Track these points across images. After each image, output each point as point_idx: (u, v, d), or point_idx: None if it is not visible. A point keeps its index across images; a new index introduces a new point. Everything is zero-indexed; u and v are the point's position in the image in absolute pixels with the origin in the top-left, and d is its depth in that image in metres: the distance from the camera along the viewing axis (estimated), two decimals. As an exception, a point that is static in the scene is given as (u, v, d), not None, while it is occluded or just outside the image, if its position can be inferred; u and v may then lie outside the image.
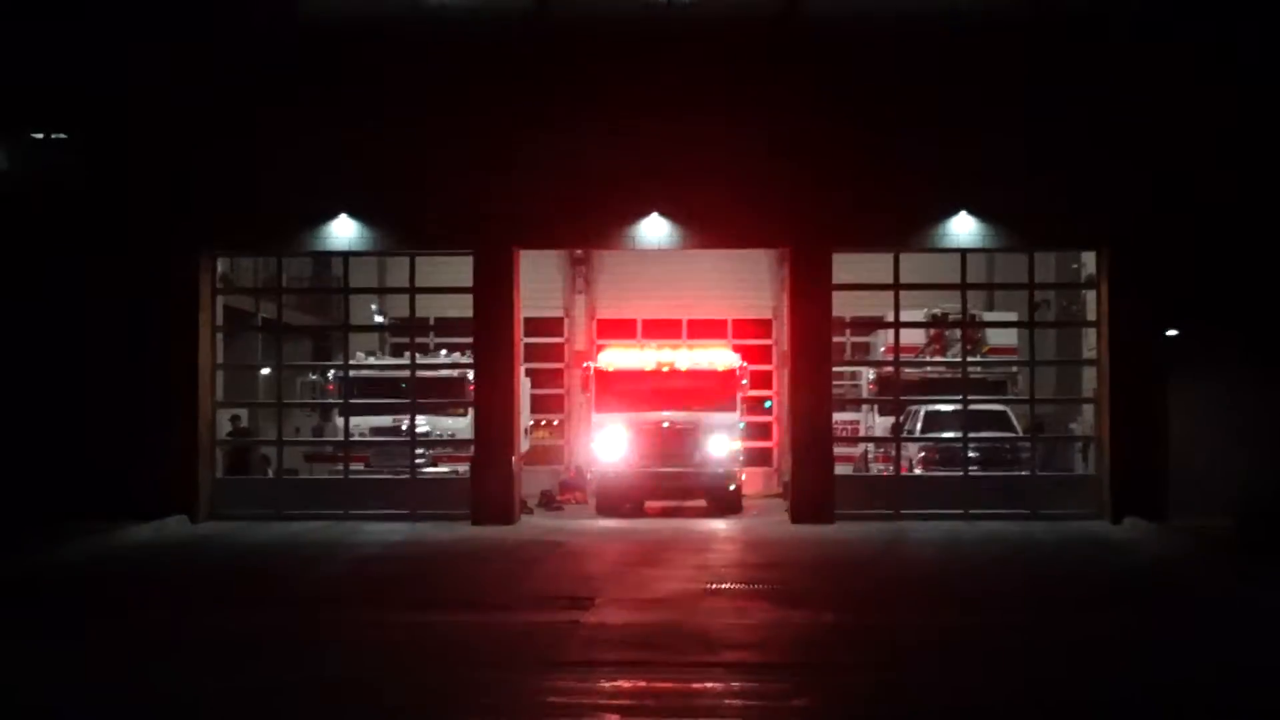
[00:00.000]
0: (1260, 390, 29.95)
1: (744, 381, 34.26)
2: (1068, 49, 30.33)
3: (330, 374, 35.84)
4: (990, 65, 30.28)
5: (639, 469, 33.04)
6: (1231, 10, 29.81)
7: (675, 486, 33.33)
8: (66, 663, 16.47)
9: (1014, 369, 35.12)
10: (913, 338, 35.37)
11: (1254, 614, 19.56)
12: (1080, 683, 15.48)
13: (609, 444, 33.45)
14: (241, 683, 15.44)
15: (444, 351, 37.16)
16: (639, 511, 33.41)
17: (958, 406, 32.47)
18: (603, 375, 34.28)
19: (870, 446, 37.09)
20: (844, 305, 33.19)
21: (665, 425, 33.10)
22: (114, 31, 30.65)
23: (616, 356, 35.04)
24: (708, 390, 33.76)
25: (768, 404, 39.83)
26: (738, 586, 22.14)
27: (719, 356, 34.71)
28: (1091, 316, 31.68)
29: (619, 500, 33.36)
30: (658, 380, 34.05)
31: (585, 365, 35.63)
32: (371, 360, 36.72)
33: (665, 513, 33.54)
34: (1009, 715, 14.22)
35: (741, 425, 34.23)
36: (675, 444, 32.99)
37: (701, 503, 33.63)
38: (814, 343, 30.96)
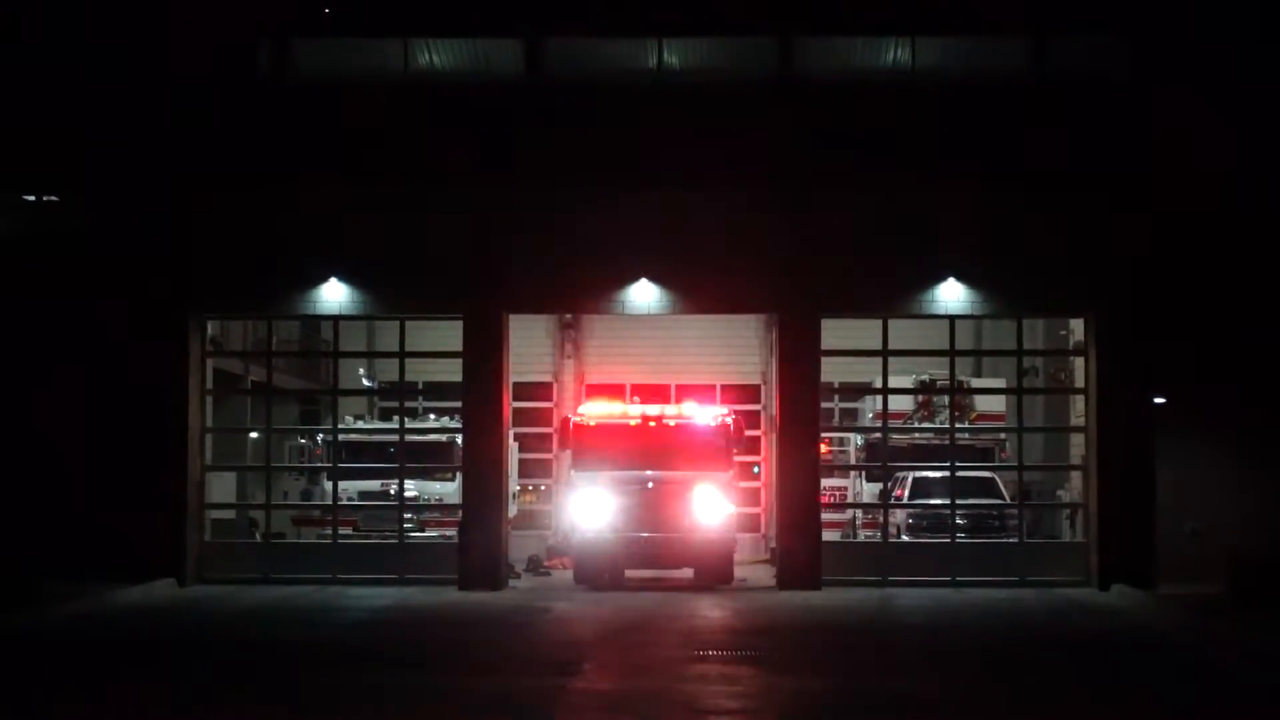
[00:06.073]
0: (1250, 457, 30.03)
1: (741, 435, 32.04)
2: (1059, 116, 30.52)
3: (319, 438, 35.84)
4: (979, 132, 30.47)
5: (621, 534, 30.77)
6: (1222, 75, 30.05)
7: (662, 554, 30.93)
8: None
9: (1002, 435, 35.13)
10: (901, 404, 35.38)
11: (1236, 681, 19.58)
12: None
13: (588, 505, 31.08)
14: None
15: (432, 415, 37.17)
16: (619, 582, 31.49)
17: (945, 473, 32.43)
18: (582, 430, 31.81)
19: (858, 513, 37.02)
20: (832, 371, 33.21)
21: (650, 485, 30.95)
22: (104, 93, 30.76)
23: (597, 409, 32.69)
24: (697, 446, 31.41)
25: (756, 469, 39.62)
26: (726, 653, 22.08)
27: (708, 410, 32.73)
28: (1079, 383, 31.75)
29: (598, 569, 31.16)
30: (643, 436, 31.57)
31: (564, 418, 33.49)
32: (360, 424, 36.72)
33: (649, 586, 31.60)
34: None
35: (734, 485, 32.46)
36: (661, 506, 30.73)
37: (688, 573, 31.58)
38: (802, 408, 30.95)
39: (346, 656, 22.10)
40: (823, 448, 36.23)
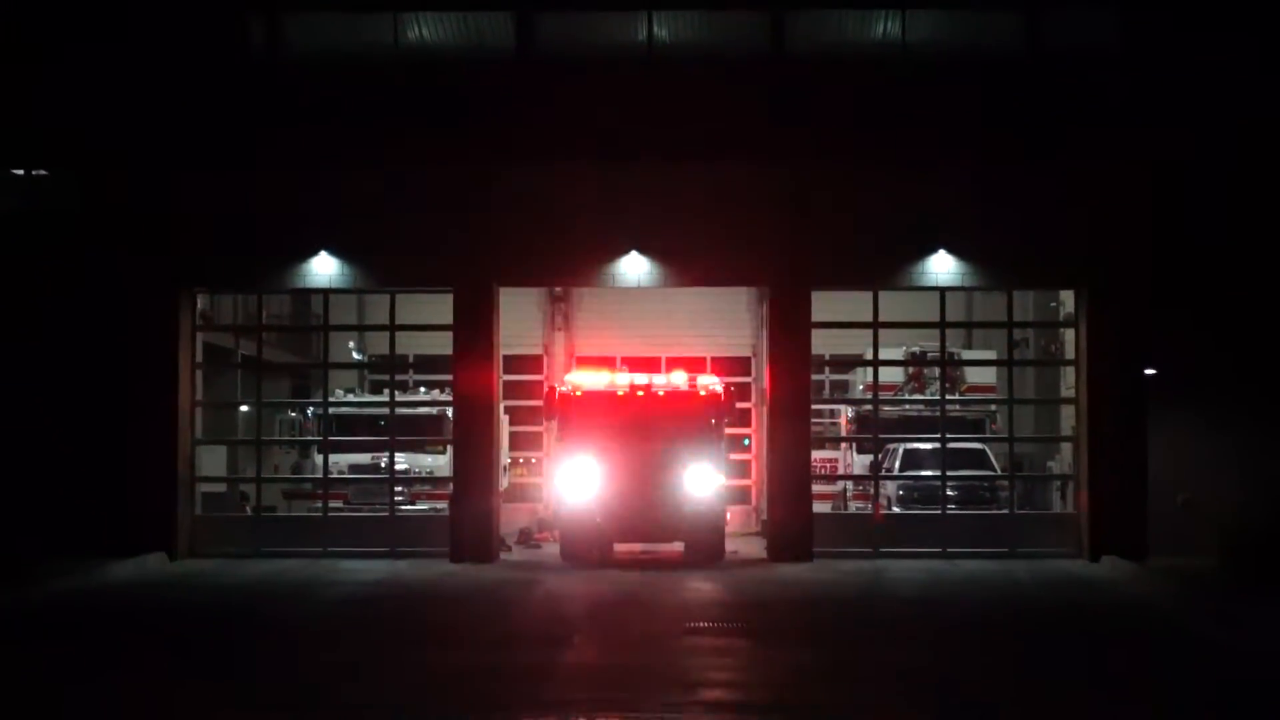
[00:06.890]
0: (1240, 429, 30.05)
1: (732, 405, 31.53)
2: (1047, 89, 30.46)
3: (309, 411, 35.82)
4: (970, 104, 30.42)
5: (609, 507, 29.94)
6: (1207, 47, 30.02)
7: (651, 527, 30.25)
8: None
9: (992, 407, 35.17)
10: (891, 376, 35.39)
11: (1223, 652, 19.64)
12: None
13: (574, 479, 30.33)
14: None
15: (423, 389, 37.14)
16: (608, 560, 30.47)
17: (936, 445, 32.47)
18: (568, 400, 30.98)
19: (849, 485, 37.04)
20: (823, 343, 33.19)
21: (639, 457, 30.05)
22: (95, 69, 30.64)
23: (584, 378, 31.86)
24: (688, 417, 30.54)
25: (746, 441, 39.61)
26: (717, 625, 22.11)
27: (700, 380, 31.64)
28: (1070, 355, 31.77)
29: (586, 544, 30.23)
30: (631, 406, 30.65)
31: (550, 387, 32.79)
32: (351, 397, 36.70)
33: (638, 562, 30.91)
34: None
35: (725, 456, 31.93)
36: (651, 478, 29.87)
37: (678, 547, 31.00)
38: (793, 381, 30.96)
39: (338, 630, 22.14)
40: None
